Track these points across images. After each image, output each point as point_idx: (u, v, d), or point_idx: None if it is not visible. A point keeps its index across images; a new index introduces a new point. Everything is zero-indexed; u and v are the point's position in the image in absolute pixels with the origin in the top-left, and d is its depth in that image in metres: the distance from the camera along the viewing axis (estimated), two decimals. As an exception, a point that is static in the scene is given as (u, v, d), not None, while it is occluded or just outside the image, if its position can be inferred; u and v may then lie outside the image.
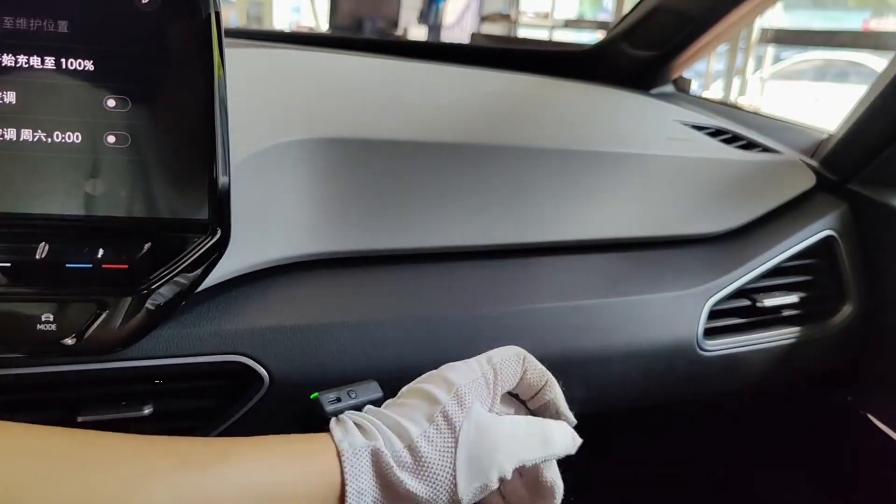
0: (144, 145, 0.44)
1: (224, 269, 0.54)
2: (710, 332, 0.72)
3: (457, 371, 0.48)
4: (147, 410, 0.52)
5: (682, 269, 0.73)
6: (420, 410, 0.45)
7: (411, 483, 0.42)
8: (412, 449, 0.43)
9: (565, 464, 0.50)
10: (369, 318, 0.58)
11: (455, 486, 0.43)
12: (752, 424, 0.96)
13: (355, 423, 0.44)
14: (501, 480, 0.44)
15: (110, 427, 0.52)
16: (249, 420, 0.55)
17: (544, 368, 0.52)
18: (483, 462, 0.44)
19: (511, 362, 0.50)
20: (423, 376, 0.49)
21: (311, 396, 0.48)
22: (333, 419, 0.45)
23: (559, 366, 0.65)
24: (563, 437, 0.48)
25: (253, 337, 0.54)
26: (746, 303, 0.75)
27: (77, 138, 0.43)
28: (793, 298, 0.77)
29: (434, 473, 0.43)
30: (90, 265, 0.43)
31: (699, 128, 0.88)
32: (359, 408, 0.47)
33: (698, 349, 0.70)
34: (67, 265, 0.43)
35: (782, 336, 0.76)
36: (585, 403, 0.69)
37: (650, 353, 0.68)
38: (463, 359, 0.50)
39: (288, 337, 0.55)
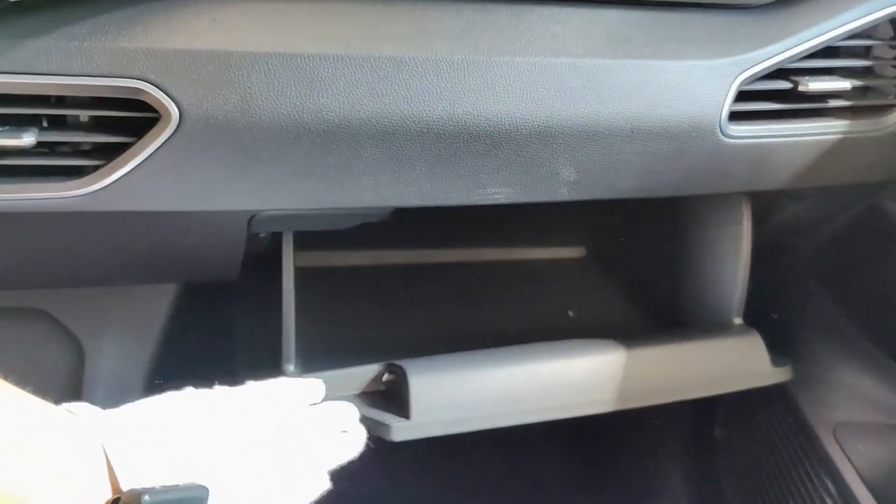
0: None
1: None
2: (737, 116, 0.60)
3: None
4: (27, 139, 0.43)
5: (710, 35, 0.59)
6: None
7: None
8: None
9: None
10: (313, 50, 0.47)
11: None
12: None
13: None
14: None
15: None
16: (159, 164, 0.46)
17: None
18: None
19: None
20: None
21: None
22: None
23: (543, 136, 0.54)
24: None
25: (158, 59, 0.44)
26: (786, 85, 0.61)
27: None
28: (844, 85, 0.63)
29: None
30: None
31: None
32: None
33: (720, 133, 0.59)
34: None
35: (825, 129, 0.63)
36: (575, 187, 0.58)
37: (661, 131, 0.57)
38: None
39: (204, 64, 0.45)
